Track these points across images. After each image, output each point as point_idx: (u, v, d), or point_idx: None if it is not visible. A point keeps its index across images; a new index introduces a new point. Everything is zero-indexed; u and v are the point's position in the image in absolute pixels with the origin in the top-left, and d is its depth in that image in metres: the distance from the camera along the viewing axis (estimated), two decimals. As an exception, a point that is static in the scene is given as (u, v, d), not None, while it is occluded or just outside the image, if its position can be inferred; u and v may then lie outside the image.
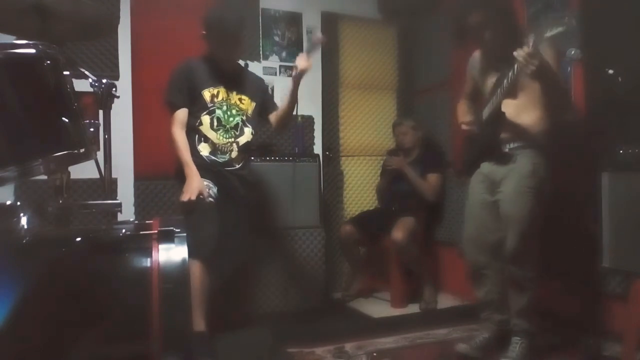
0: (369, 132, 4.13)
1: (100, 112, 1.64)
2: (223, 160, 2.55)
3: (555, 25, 1.94)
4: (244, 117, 2.61)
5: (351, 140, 4.08)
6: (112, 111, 1.65)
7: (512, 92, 2.25)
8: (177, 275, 1.24)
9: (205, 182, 2.42)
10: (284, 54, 3.77)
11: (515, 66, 2.09)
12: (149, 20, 3.31)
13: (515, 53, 2.02)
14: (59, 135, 1.32)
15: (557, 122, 2.36)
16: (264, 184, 2.76)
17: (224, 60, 2.57)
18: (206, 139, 2.53)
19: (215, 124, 2.53)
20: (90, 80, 1.63)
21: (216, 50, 2.54)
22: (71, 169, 1.53)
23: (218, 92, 2.55)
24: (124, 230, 1.29)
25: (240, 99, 2.61)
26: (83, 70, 1.63)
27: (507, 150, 2.33)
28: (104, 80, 1.63)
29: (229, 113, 2.57)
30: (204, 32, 2.51)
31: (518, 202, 2.27)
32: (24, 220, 1.27)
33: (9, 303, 1.11)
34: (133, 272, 1.27)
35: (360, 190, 4.10)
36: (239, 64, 2.72)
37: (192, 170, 2.40)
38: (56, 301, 1.18)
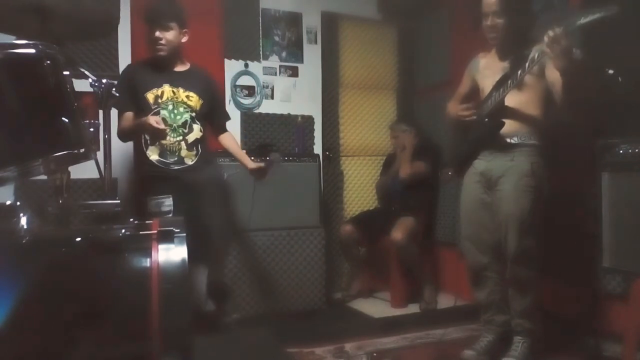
0: (369, 132, 4.13)
1: (100, 112, 1.64)
2: (173, 160, 2.53)
3: (591, 12, 1.85)
4: (193, 114, 2.58)
5: (351, 140, 4.08)
6: (112, 111, 1.66)
7: (517, 88, 2.23)
8: (177, 275, 1.24)
9: (157, 200, 2.36)
10: (284, 54, 3.77)
11: (536, 55, 2.03)
12: (149, 20, 3.31)
13: (545, 35, 1.94)
14: (59, 135, 1.32)
15: (557, 121, 2.36)
16: (221, 180, 2.71)
17: (167, 57, 2.54)
18: (153, 142, 2.51)
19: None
20: (90, 80, 1.63)
21: (150, 39, 2.53)
22: (71, 169, 1.53)
23: (162, 92, 2.53)
24: (123, 230, 1.29)
25: (187, 96, 2.58)
26: (83, 70, 1.63)
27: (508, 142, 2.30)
28: (104, 80, 1.64)
29: (175, 112, 2.54)
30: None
31: (518, 201, 2.25)
32: (24, 220, 1.27)
33: (9, 303, 1.11)
34: (133, 272, 1.26)
35: (360, 190, 4.10)
36: (186, 61, 2.67)
37: (138, 120, 2.43)
38: (56, 301, 1.18)
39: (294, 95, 3.78)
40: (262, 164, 2.69)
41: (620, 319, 2.29)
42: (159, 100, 2.52)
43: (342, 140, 4.05)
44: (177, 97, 2.55)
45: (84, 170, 1.61)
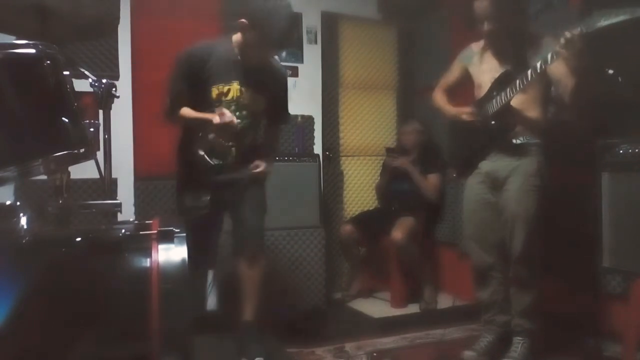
0: (369, 132, 4.13)
1: (100, 112, 1.65)
2: (218, 162, 2.30)
3: (614, 14, 1.77)
4: (255, 119, 2.33)
5: (351, 140, 4.08)
6: (112, 111, 1.66)
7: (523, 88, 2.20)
8: (176, 275, 1.24)
9: (194, 195, 2.25)
10: (284, 54, 3.76)
11: (549, 56, 2.00)
12: (149, 20, 3.31)
13: (562, 36, 1.91)
14: (59, 135, 1.32)
15: (557, 120, 2.36)
16: (261, 180, 2.48)
17: (256, 57, 2.23)
18: (203, 139, 2.26)
19: None
20: (90, 80, 1.63)
21: (254, 46, 2.19)
22: (71, 169, 1.53)
23: (229, 90, 2.24)
24: (124, 230, 1.29)
25: (255, 99, 2.29)
26: (83, 70, 1.63)
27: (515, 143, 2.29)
28: (104, 80, 1.64)
29: (237, 114, 2.24)
30: (243, 21, 2.17)
31: (524, 201, 2.25)
32: (24, 220, 1.27)
33: (9, 303, 1.11)
34: (133, 272, 1.27)
35: (360, 190, 4.10)
36: (270, 60, 2.37)
37: (201, 116, 2.19)
38: (56, 301, 1.18)
39: (294, 95, 3.76)
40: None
41: (620, 319, 2.29)
42: (223, 98, 2.23)
43: (342, 140, 4.05)
44: (243, 99, 2.25)
45: (84, 170, 1.61)
